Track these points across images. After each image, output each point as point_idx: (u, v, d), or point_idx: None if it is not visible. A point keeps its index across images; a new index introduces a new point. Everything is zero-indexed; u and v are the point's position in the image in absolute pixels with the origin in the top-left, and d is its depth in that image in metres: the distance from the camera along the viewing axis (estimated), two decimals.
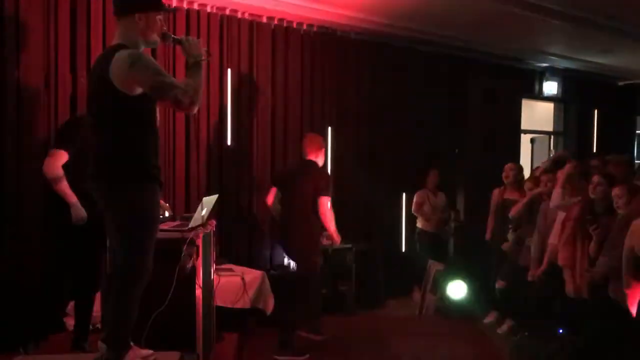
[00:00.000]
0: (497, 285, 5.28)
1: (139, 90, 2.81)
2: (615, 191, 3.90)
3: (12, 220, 4.47)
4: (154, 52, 5.01)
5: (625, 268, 3.61)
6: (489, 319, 5.65)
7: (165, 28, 3.02)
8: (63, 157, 3.68)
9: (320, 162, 4.95)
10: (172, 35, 3.08)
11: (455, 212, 6.86)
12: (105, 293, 3.24)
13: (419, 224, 6.93)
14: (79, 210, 3.70)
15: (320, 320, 5.12)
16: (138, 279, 2.91)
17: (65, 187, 3.70)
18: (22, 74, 4.53)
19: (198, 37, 5.43)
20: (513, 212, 5.22)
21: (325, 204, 4.76)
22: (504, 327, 5.34)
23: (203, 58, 2.96)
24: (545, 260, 4.68)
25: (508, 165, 5.61)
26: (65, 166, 3.73)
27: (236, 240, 5.80)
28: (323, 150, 5.02)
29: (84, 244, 3.80)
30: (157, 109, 2.98)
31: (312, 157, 4.91)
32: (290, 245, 4.96)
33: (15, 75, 4.49)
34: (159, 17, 2.94)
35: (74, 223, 3.74)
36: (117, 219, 2.90)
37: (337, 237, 4.96)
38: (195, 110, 2.92)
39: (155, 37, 2.95)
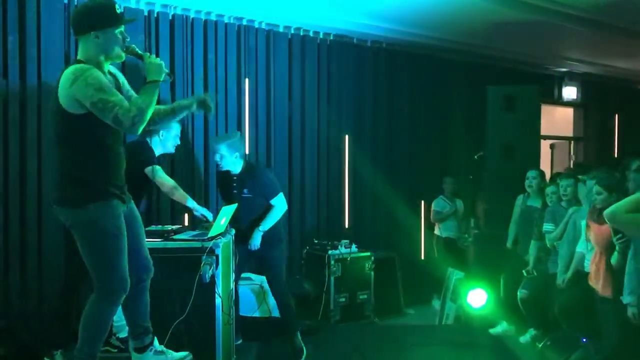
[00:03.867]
0: (519, 294, 5.19)
1: (83, 110, 2.74)
2: None
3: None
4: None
5: None
6: (511, 327, 5.57)
7: (128, 39, 2.96)
8: None
9: None
10: (136, 49, 2.98)
11: (475, 219, 6.81)
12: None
13: (436, 231, 6.99)
14: None
15: None
16: (108, 295, 2.90)
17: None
18: None
19: (216, 47, 5.49)
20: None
21: None
22: (527, 336, 5.26)
23: (162, 79, 2.89)
24: (572, 268, 4.63)
25: (530, 174, 5.53)
26: None
27: None
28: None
29: None
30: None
31: None
32: None
33: None
34: (120, 30, 2.89)
35: None
36: (80, 238, 2.89)
37: None
38: (138, 131, 2.80)
39: (117, 52, 2.90)
